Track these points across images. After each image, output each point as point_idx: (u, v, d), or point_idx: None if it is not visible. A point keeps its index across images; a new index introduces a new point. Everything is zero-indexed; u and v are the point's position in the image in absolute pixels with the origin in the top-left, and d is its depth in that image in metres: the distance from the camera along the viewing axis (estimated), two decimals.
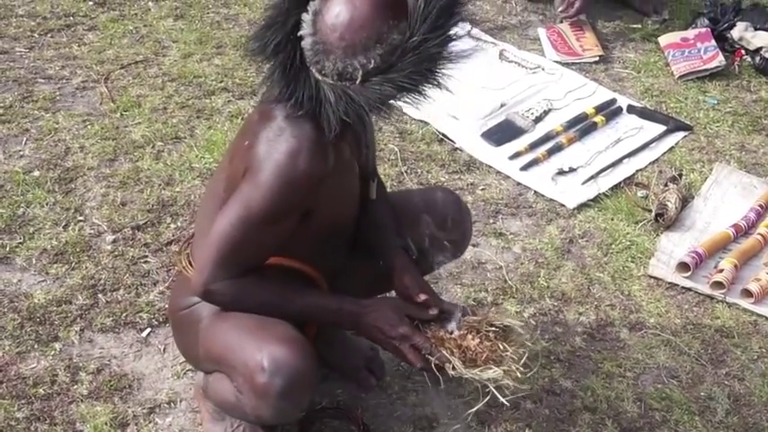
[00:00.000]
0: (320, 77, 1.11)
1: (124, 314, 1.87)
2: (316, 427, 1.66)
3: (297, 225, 1.26)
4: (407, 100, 1.08)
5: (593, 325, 1.98)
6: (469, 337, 1.25)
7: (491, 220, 2.27)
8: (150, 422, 1.65)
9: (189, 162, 2.32)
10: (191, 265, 1.37)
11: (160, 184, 2.23)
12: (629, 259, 2.17)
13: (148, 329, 1.84)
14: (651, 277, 2.11)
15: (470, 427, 1.70)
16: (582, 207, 2.34)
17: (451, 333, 1.26)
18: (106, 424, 1.64)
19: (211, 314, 1.34)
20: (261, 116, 1.22)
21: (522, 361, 1.26)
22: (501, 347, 1.24)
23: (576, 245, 2.22)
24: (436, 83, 1.07)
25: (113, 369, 1.75)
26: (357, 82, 1.09)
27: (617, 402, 1.79)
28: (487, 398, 1.27)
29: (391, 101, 1.08)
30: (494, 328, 1.27)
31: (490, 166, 2.44)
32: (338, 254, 1.45)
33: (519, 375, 1.24)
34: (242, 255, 1.26)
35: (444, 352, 1.24)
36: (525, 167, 2.44)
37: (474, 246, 2.16)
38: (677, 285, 2.09)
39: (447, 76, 1.06)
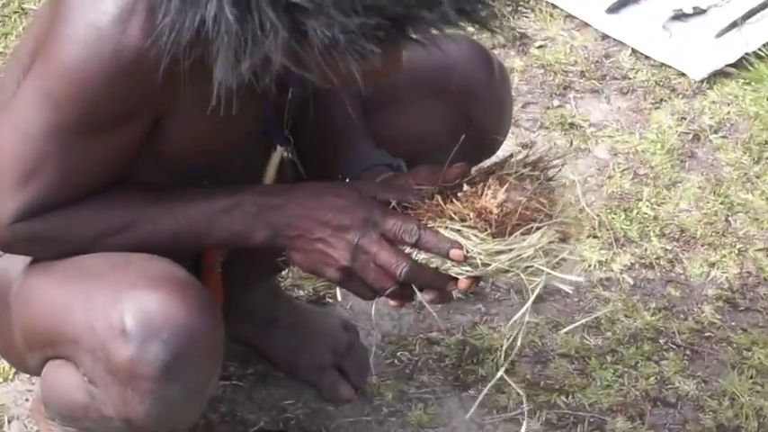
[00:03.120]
0: None
1: None
2: None
3: (144, 141, 1.24)
4: None
5: (733, 284, 1.89)
6: (489, 192, 1.22)
7: (555, 102, 2.18)
8: None
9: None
10: None
11: None
12: None
13: None
14: None
15: None
16: (715, 77, 2.23)
17: (459, 195, 1.23)
18: None
19: (26, 270, 1.32)
20: None
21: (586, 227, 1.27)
22: (542, 203, 1.21)
23: (704, 144, 2.12)
24: None
25: None
26: None
27: None
28: (538, 289, 1.20)
29: None
30: (526, 180, 1.25)
31: (555, 6, 2.33)
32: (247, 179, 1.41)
33: (581, 239, 1.25)
34: (52, 180, 1.23)
35: (446, 230, 1.19)
36: (615, 8, 2.30)
37: (524, 147, 2.04)
38: None
39: None
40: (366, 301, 1.36)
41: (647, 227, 1.96)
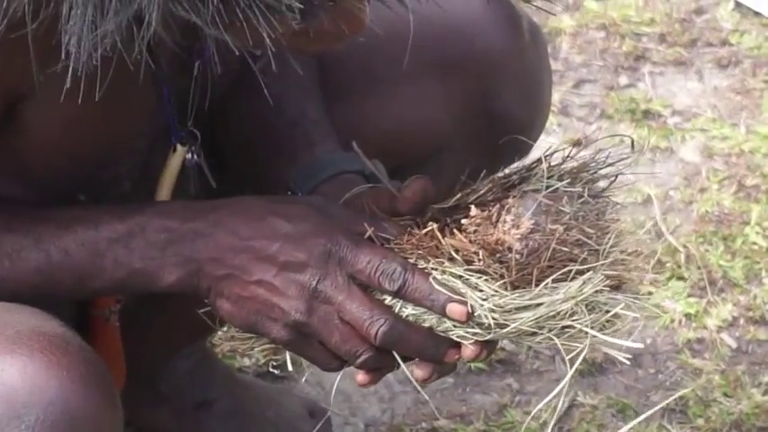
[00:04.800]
0: None
1: None
2: None
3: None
4: None
5: None
6: (508, 218, 1.25)
7: (623, 79, 2.26)
8: None
9: None
10: None
11: None
12: None
13: None
14: None
15: None
16: None
17: (463, 222, 1.27)
18: None
19: None
20: None
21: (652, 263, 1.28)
22: (586, 234, 1.23)
23: None
24: None
25: None
26: None
27: None
28: (579, 360, 1.20)
29: None
30: (563, 199, 1.27)
31: None
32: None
33: (650, 289, 1.27)
34: None
35: (443, 274, 1.22)
36: None
37: (571, 145, 2.03)
38: None
39: None
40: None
41: (758, 264, 1.98)
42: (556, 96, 2.16)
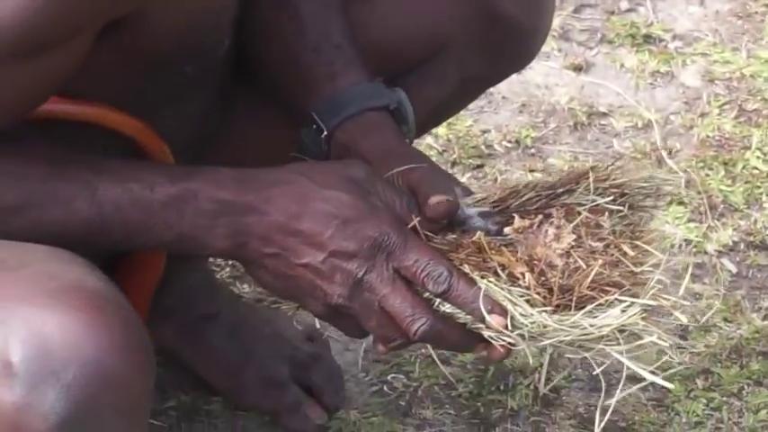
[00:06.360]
0: None
1: None
2: None
3: (91, 53, 1.28)
4: None
5: None
6: (551, 231, 1.26)
7: (623, 3, 2.26)
8: None
9: None
10: None
11: None
12: None
13: None
14: None
15: None
16: None
17: (506, 231, 1.28)
18: None
19: None
20: None
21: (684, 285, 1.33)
22: (625, 254, 1.24)
23: None
24: None
25: None
26: None
27: None
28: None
29: None
30: (604, 214, 1.28)
31: None
32: (200, 104, 1.48)
33: (683, 319, 1.26)
34: None
35: (487, 284, 1.22)
36: None
37: (577, 70, 2.07)
38: None
39: None
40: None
41: (758, 188, 1.97)
42: (556, 21, 2.15)
